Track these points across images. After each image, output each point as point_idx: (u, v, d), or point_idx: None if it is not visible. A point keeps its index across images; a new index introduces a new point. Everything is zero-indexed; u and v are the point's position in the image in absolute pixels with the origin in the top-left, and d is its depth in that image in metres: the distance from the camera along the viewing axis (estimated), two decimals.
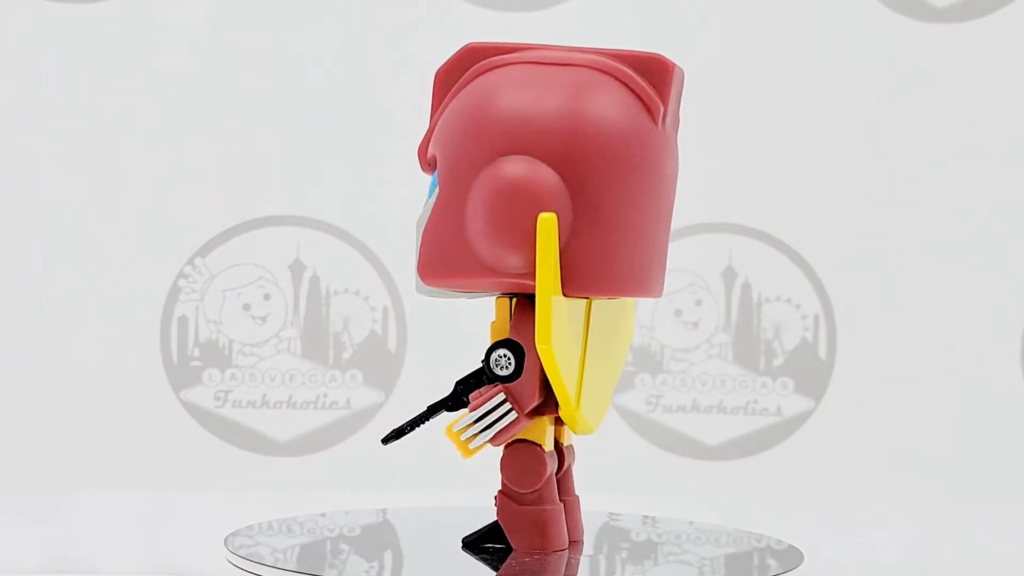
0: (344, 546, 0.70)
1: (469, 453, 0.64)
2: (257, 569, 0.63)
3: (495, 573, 0.63)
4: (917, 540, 1.03)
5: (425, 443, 0.66)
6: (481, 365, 0.64)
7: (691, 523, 0.76)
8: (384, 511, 0.77)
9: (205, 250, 1.05)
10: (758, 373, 1.06)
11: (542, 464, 0.64)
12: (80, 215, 1.04)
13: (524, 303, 0.63)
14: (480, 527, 0.67)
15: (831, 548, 1.01)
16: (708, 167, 1.02)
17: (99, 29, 1.04)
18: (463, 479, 0.79)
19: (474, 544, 0.67)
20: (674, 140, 0.65)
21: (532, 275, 0.61)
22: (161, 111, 1.04)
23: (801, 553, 0.68)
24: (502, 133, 0.62)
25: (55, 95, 1.04)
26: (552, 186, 0.61)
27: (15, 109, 1.04)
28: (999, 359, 1.05)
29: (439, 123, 0.64)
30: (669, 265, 0.67)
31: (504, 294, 0.64)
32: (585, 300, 0.64)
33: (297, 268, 1.05)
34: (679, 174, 0.66)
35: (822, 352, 1.06)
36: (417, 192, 0.66)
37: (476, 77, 0.64)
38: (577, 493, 0.69)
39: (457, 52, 0.65)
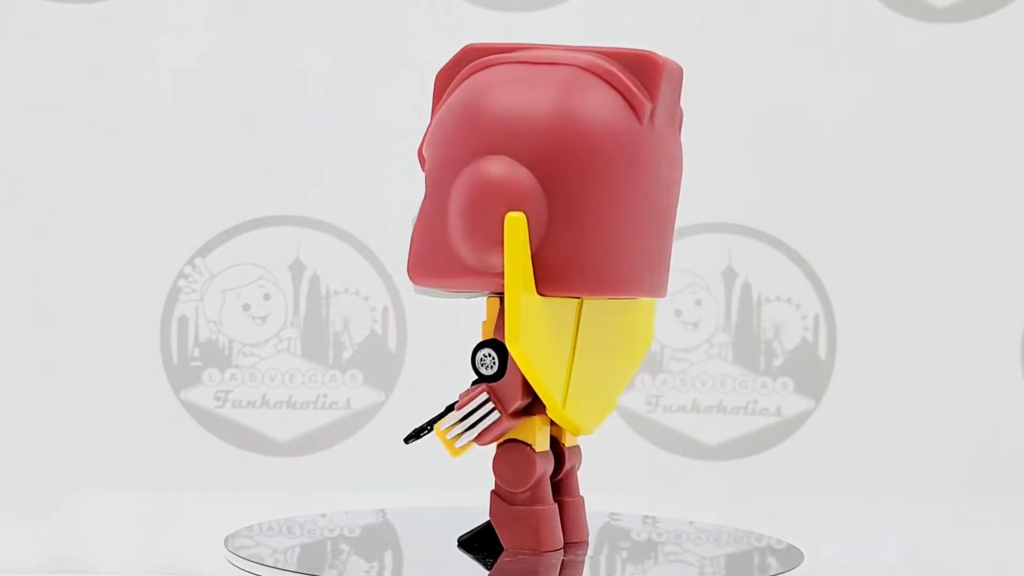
0: (344, 546, 0.70)
1: (456, 452, 0.64)
2: (257, 570, 0.63)
3: (487, 574, 0.63)
4: (917, 540, 1.03)
5: (425, 443, 0.66)
6: None
7: (691, 523, 0.76)
8: (384, 511, 0.77)
9: (205, 250, 1.05)
10: (758, 373, 1.06)
11: (532, 464, 0.64)
12: (80, 215, 1.04)
13: None
14: (475, 526, 0.67)
15: (831, 548, 1.01)
16: (708, 167, 1.02)
17: (99, 29, 1.04)
18: (463, 479, 0.79)
19: (469, 543, 0.67)
20: (669, 137, 0.65)
21: None
22: (161, 111, 1.05)
23: (801, 553, 0.68)
24: (480, 133, 0.62)
25: (55, 95, 1.04)
26: (525, 185, 0.61)
27: (15, 109, 1.04)
28: (999, 359, 1.05)
29: (431, 124, 0.65)
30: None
31: (494, 294, 0.64)
32: (576, 300, 0.64)
33: (297, 268, 1.05)
34: (680, 173, 0.66)
35: (822, 352, 1.06)
36: (417, 192, 0.66)
37: (467, 78, 0.64)
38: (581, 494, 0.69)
39: (456, 53, 0.65)
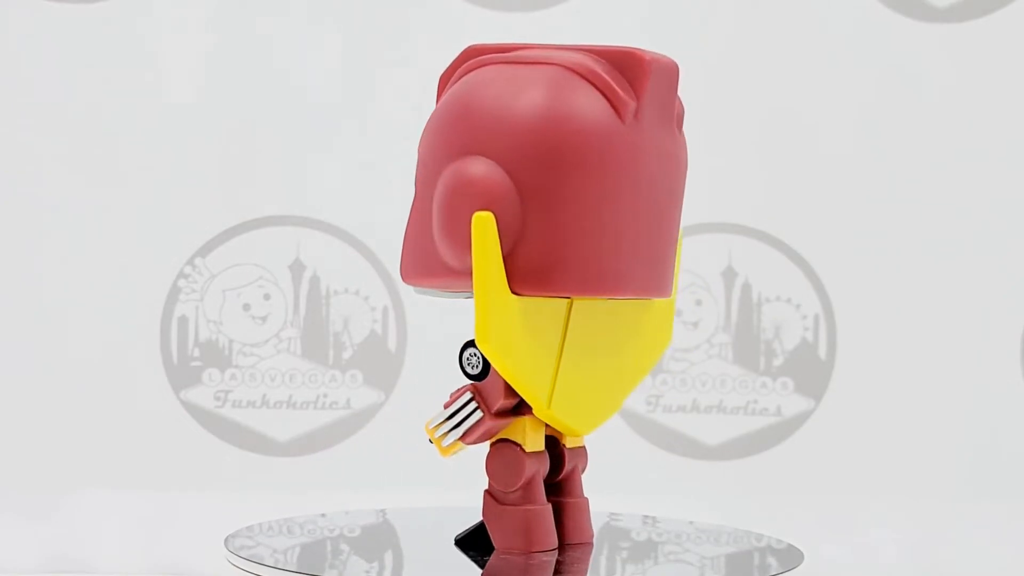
0: (344, 547, 0.70)
1: (445, 451, 0.64)
2: (257, 570, 0.63)
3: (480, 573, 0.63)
4: (917, 540, 1.03)
5: (425, 443, 0.66)
6: None
7: (691, 523, 0.76)
8: (384, 511, 0.77)
9: (205, 250, 1.05)
10: (758, 373, 1.06)
11: (520, 464, 0.64)
12: (80, 215, 1.04)
13: None
14: (471, 525, 0.67)
15: (831, 548, 1.01)
16: (708, 167, 1.02)
17: (99, 29, 1.04)
18: (463, 479, 0.79)
19: (465, 542, 0.67)
20: (661, 134, 0.64)
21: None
22: (161, 111, 1.05)
23: (801, 553, 0.68)
24: (460, 134, 0.62)
25: (55, 95, 1.04)
26: (496, 185, 0.61)
27: (15, 109, 1.04)
28: (999, 359, 1.05)
29: None
30: None
31: None
32: (565, 300, 0.64)
33: (297, 268, 1.06)
34: (679, 171, 0.66)
35: (822, 352, 1.06)
36: None
37: (460, 79, 0.64)
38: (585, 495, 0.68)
39: (458, 55, 0.65)
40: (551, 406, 0.63)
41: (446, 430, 0.64)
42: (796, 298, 1.06)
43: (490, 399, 0.63)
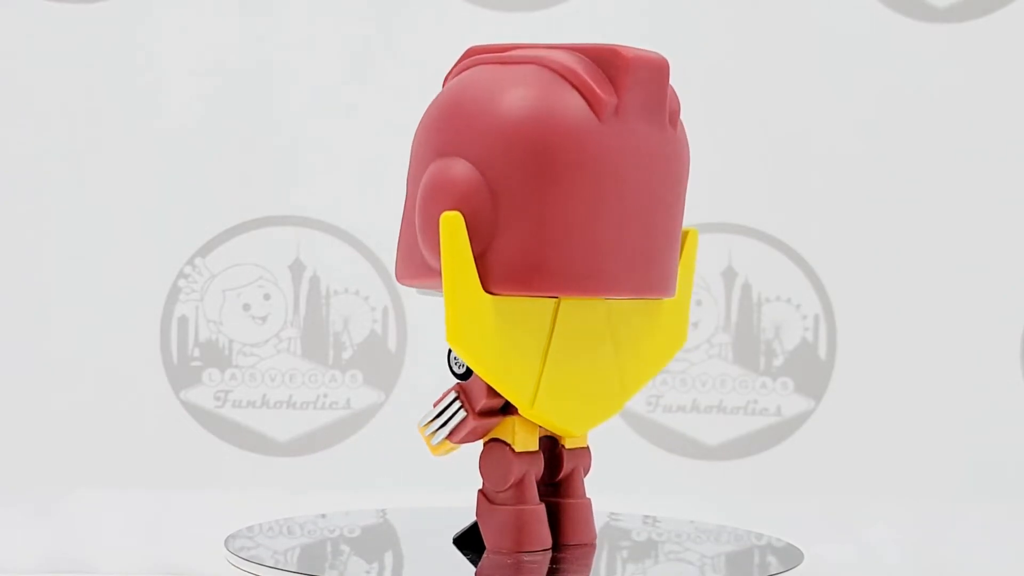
0: (344, 547, 0.70)
1: (435, 450, 0.65)
2: (258, 571, 0.63)
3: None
4: (917, 540, 1.03)
5: (423, 443, 0.66)
6: None
7: (692, 522, 0.76)
8: (384, 511, 0.77)
9: (205, 250, 1.05)
10: (758, 373, 1.06)
11: (509, 464, 0.64)
12: (80, 215, 1.04)
13: None
14: (467, 524, 0.67)
15: (831, 548, 1.01)
16: (708, 167, 1.02)
17: (99, 29, 1.04)
18: (463, 479, 0.79)
19: (462, 541, 0.67)
20: (647, 131, 0.63)
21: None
22: (161, 111, 1.04)
23: (801, 552, 0.68)
24: (441, 135, 0.62)
25: (55, 95, 1.04)
26: (465, 185, 0.61)
27: (15, 109, 1.04)
28: (999, 359, 1.05)
29: None
30: None
31: None
32: (552, 300, 0.64)
33: (297, 268, 1.06)
34: (672, 168, 0.65)
35: (822, 352, 1.06)
36: None
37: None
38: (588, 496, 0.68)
39: (461, 55, 0.66)
40: (535, 405, 0.63)
41: (434, 429, 0.64)
42: (796, 298, 1.06)
43: (474, 399, 0.64)
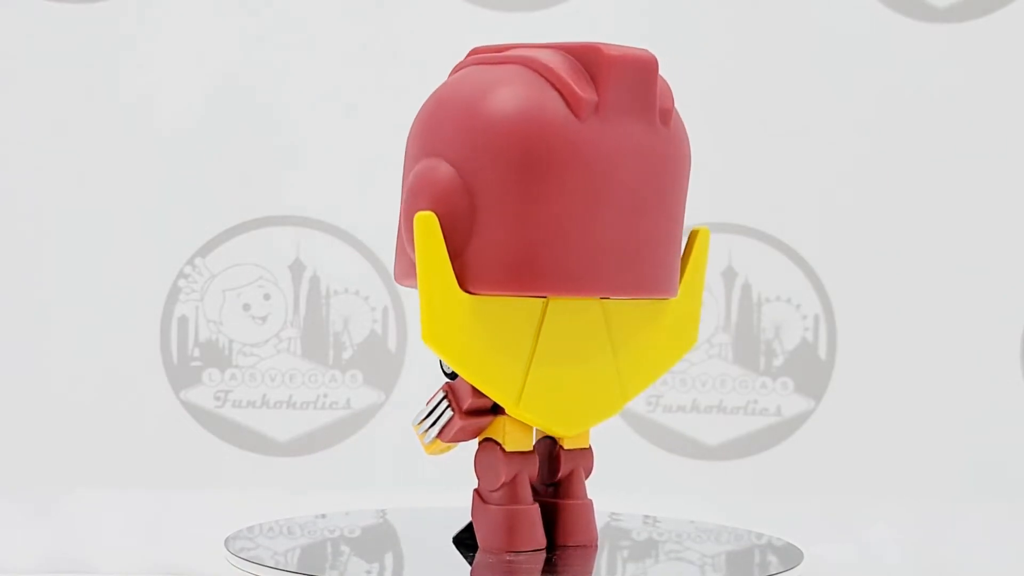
0: (344, 547, 0.70)
1: (428, 449, 0.65)
2: (258, 571, 0.63)
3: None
4: (917, 540, 1.03)
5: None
6: None
7: (692, 522, 0.76)
8: (384, 511, 0.77)
9: (205, 250, 1.05)
10: (758, 373, 1.06)
11: (498, 463, 0.64)
12: (80, 215, 1.04)
13: None
14: (466, 524, 0.67)
15: (831, 548, 1.02)
16: (708, 167, 1.02)
17: (99, 29, 1.04)
18: (463, 479, 0.79)
19: (462, 540, 0.67)
20: (632, 129, 0.62)
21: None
22: (161, 111, 1.04)
23: (801, 552, 0.68)
24: (425, 136, 0.63)
25: (55, 95, 1.04)
26: (448, 185, 0.61)
27: (15, 109, 1.04)
28: (999, 359, 1.05)
29: None
30: None
31: None
32: (540, 300, 0.63)
33: (297, 268, 1.06)
34: (666, 166, 0.65)
35: (822, 352, 1.06)
36: None
37: None
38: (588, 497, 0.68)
39: (465, 56, 0.66)
40: (521, 404, 0.63)
41: (425, 428, 0.65)
42: (796, 298, 1.06)
43: (460, 398, 0.64)
